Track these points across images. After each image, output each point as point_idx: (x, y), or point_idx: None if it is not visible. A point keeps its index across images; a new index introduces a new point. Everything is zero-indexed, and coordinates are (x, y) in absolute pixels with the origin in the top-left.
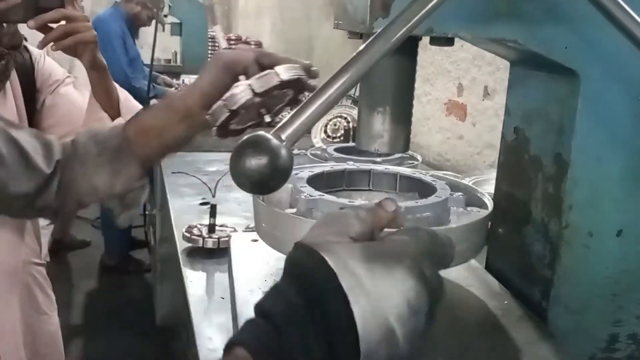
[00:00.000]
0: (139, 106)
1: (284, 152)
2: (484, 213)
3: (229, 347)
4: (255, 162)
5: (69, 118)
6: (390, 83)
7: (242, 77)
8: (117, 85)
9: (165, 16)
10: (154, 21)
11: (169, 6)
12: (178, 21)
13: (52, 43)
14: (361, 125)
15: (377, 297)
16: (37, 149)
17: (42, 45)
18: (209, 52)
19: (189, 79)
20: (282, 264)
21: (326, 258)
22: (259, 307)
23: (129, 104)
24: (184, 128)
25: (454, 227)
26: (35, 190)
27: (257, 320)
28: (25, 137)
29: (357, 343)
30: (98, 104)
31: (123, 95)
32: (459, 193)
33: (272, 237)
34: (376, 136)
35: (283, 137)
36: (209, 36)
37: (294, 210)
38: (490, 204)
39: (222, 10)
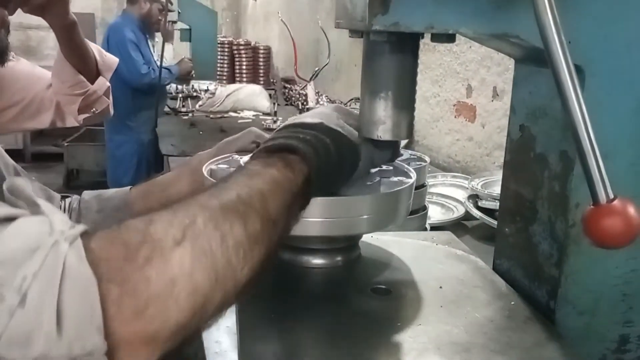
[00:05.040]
0: (116, 60)
1: None
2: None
3: (271, 151)
4: None
5: (22, 89)
6: (392, 68)
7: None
8: (88, 41)
9: (175, 22)
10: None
11: (178, 12)
12: (187, 27)
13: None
14: (363, 112)
15: (335, 123)
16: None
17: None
18: (219, 58)
19: (198, 85)
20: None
21: (327, 124)
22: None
23: (106, 59)
24: (188, 182)
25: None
26: None
27: (297, 144)
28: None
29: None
30: (73, 68)
31: (97, 51)
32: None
33: None
34: (378, 122)
35: None
36: (219, 42)
37: None
38: (414, 175)
39: (231, 15)
